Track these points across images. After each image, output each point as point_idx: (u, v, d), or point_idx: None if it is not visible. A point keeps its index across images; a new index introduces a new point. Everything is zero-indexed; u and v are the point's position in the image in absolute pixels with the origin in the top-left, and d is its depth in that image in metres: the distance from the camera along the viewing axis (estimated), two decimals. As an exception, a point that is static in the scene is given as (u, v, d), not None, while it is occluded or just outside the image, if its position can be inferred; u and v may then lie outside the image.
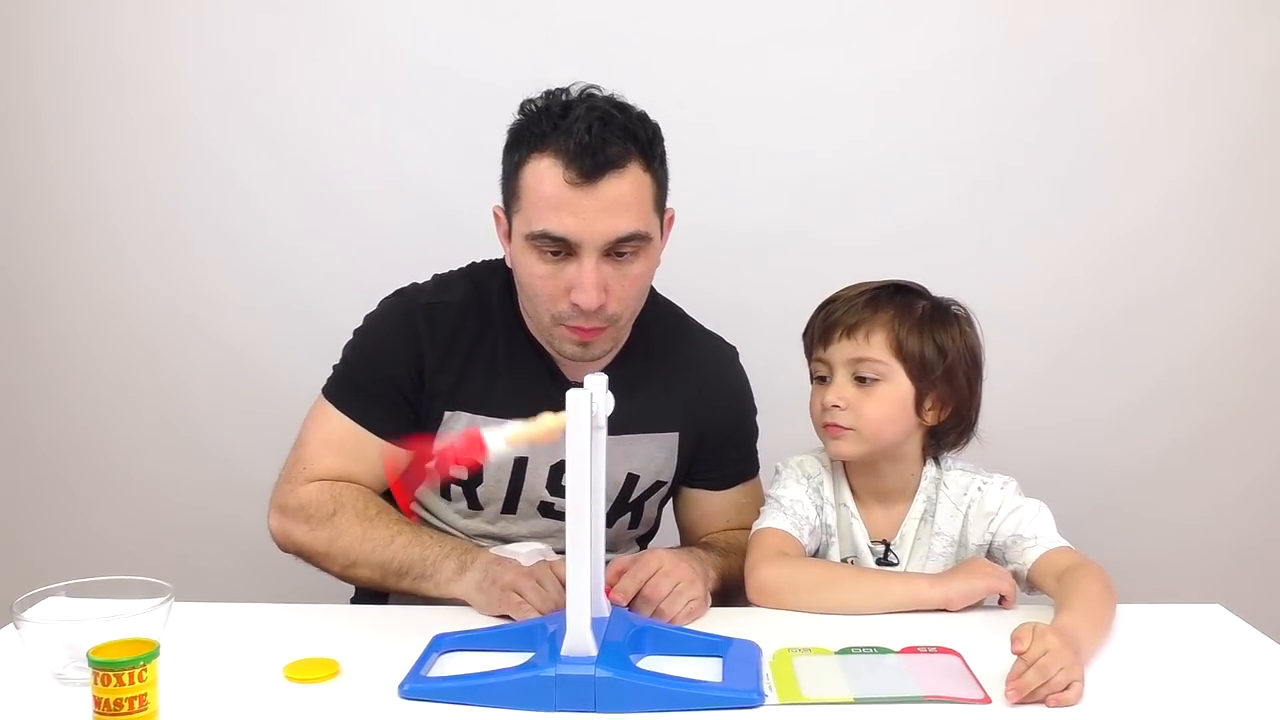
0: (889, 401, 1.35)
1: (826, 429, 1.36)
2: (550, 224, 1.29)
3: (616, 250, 1.31)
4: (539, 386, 1.42)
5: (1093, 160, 2.04)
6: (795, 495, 1.41)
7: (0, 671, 1.10)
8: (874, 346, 1.34)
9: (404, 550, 1.34)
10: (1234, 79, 2.03)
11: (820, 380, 1.39)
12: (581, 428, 1.00)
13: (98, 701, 0.92)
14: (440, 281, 1.49)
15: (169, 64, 2.00)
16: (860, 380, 1.34)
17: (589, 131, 1.27)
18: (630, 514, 1.53)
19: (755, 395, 1.60)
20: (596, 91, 1.35)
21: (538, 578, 1.23)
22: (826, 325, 1.37)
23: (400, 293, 1.48)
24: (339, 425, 1.42)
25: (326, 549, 1.37)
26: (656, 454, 1.50)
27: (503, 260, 1.47)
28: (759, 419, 1.60)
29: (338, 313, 1.52)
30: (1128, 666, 1.13)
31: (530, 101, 1.36)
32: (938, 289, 1.42)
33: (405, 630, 1.20)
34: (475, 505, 1.48)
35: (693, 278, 1.99)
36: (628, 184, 1.30)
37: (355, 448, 1.41)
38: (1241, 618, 1.27)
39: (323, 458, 1.41)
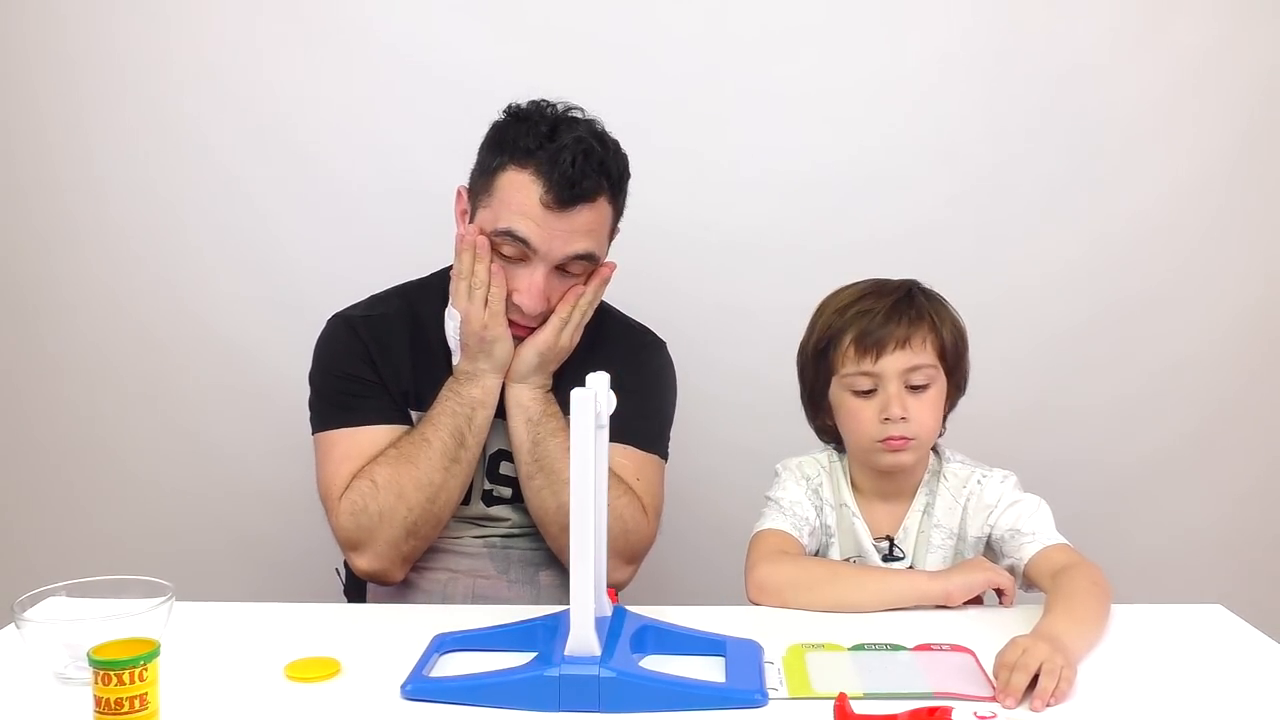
0: (937, 402, 1.36)
1: (886, 442, 1.34)
2: (516, 225, 1.37)
3: (566, 266, 1.40)
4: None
5: (1093, 160, 2.04)
6: (794, 497, 1.41)
7: (1, 671, 1.10)
8: (926, 352, 1.34)
9: (437, 432, 1.40)
10: (1234, 80, 2.03)
11: (862, 394, 1.35)
12: (585, 427, 1.00)
13: (98, 701, 0.92)
14: (371, 300, 1.54)
15: (169, 63, 1.99)
16: (911, 388, 1.34)
17: (572, 164, 1.36)
18: None
19: (753, 395, 1.60)
20: (580, 115, 1.41)
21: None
22: (876, 339, 1.33)
23: (334, 315, 1.52)
24: (341, 441, 1.44)
25: (395, 503, 1.39)
26: None
27: (432, 277, 1.53)
28: (758, 420, 1.60)
29: (341, 313, 1.52)
30: (1128, 666, 1.13)
31: (516, 106, 1.42)
32: (938, 289, 1.41)
33: (406, 630, 1.20)
34: None
35: (691, 279, 2.00)
36: (594, 214, 1.39)
37: (365, 449, 1.43)
38: (1243, 618, 1.27)
39: (343, 475, 1.42)
